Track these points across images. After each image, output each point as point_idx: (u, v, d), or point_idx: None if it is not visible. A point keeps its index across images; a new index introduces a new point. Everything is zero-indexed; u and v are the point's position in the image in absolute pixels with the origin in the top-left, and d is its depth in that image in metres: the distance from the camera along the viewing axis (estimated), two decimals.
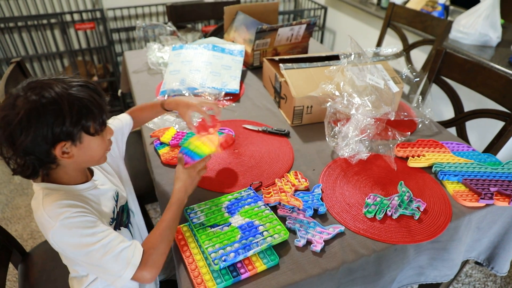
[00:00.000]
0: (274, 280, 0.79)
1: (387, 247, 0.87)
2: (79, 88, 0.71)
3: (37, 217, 0.73)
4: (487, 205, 0.99)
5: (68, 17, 2.48)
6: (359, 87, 1.19)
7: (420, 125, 1.30)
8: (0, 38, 2.43)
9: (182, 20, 2.01)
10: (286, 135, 1.23)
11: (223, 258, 0.79)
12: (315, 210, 0.94)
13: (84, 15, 2.48)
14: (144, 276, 0.74)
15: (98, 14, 2.46)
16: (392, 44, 2.24)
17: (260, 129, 1.24)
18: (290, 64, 1.30)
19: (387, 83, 1.28)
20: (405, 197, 0.98)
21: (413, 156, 1.13)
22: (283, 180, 1.02)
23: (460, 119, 1.48)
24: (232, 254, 0.80)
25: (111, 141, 0.86)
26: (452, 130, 1.45)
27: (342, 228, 0.90)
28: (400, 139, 1.21)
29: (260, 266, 0.80)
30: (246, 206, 0.93)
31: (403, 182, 1.04)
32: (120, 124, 1.02)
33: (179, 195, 0.87)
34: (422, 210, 0.96)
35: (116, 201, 0.91)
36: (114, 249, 0.72)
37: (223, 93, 1.39)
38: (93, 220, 0.74)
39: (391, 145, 1.17)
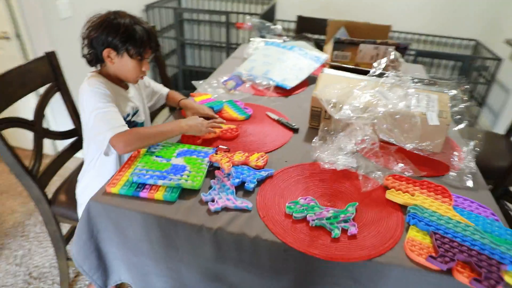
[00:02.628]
0: (158, 208, 0.88)
1: (274, 242, 0.81)
2: (140, 28, 1.05)
3: (80, 89, 1.08)
4: (442, 273, 0.75)
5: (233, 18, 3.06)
6: (375, 103, 1.07)
7: (454, 174, 1.04)
8: (181, 26, 3.24)
9: (309, 32, 2.16)
10: (295, 130, 1.23)
11: (138, 175, 0.94)
12: (244, 184, 0.95)
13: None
14: (117, 143, 0.99)
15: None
16: None
17: (276, 118, 1.29)
18: (334, 70, 1.28)
19: (426, 113, 1.09)
20: (342, 215, 0.86)
21: (396, 190, 0.94)
22: (243, 153, 1.06)
23: None
24: (147, 176, 0.94)
25: (145, 73, 1.15)
26: None
27: (250, 206, 0.89)
28: (408, 173, 1.02)
29: (158, 195, 0.91)
30: (194, 156, 1.04)
31: (357, 203, 0.90)
32: (158, 89, 1.37)
33: (177, 123, 1.10)
34: (349, 233, 0.82)
35: (134, 114, 1.19)
36: (109, 116, 1.01)
37: (274, 85, 1.48)
38: (109, 98, 1.04)
39: (387, 173, 1.01)
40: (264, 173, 0.99)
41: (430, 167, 1.07)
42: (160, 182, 0.93)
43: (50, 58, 1.37)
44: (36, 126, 1.31)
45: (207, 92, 1.47)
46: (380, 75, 1.19)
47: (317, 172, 1.03)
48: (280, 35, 1.87)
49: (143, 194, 0.91)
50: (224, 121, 1.24)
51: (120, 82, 1.16)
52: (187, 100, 1.32)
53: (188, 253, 0.89)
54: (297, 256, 0.80)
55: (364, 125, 1.02)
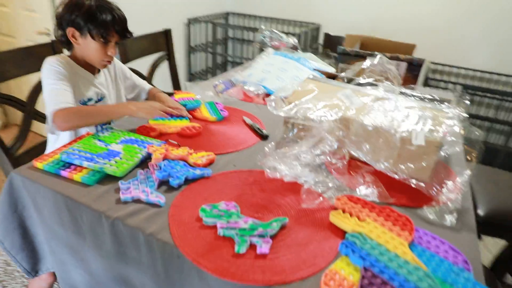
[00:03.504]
0: (70, 189, 0.82)
1: (167, 244, 0.69)
2: (106, 11, 1.03)
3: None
4: None
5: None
6: (334, 105, 0.91)
7: (434, 207, 0.82)
8: (225, 43, 3.26)
9: (333, 50, 2.03)
10: (264, 137, 1.10)
11: (68, 154, 0.89)
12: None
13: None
14: (57, 118, 0.97)
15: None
16: None
17: (250, 123, 1.17)
18: (318, 76, 1.14)
19: (412, 130, 0.89)
20: (260, 229, 0.71)
21: (344, 212, 0.76)
22: (189, 150, 0.96)
23: None
24: (76, 157, 0.88)
25: (111, 58, 1.13)
26: None
27: (163, 202, 0.78)
28: (372, 198, 0.83)
29: (77, 176, 0.84)
30: (135, 145, 0.96)
31: (287, 219, 0.74)
32: (140, 83, 1.34)
33: (125, 103, 1.07)
34: (258, 251, 0.67)
35: (98, 101, 1.17)
36: (55, 92, 1.00)
37: (265, 92, 1.37)
38: (61, 76, 1.03)
39: (344, 192, 0.83)
40: (198, 172, 0.88)
41: (407, 195, 0.86)
42: (85, 163, 0.87)
43: (54, 46, 1.43)
44: (27, 107, 1.35)
45: (195, 92, 1.40)
46: (366, 85, 1.03)
47: (262, 181, 0.89)
48: (294, 48, 1.77)
49: (64, 173, 0.85)
50: (188, 115, 1.16)
51: (88, 67, 1.14)
52: (162, 94, 1.27)
53: (93, 243, 0.81)
54: (191, 267, 0.67)
55: (323, 131, 0.86)
